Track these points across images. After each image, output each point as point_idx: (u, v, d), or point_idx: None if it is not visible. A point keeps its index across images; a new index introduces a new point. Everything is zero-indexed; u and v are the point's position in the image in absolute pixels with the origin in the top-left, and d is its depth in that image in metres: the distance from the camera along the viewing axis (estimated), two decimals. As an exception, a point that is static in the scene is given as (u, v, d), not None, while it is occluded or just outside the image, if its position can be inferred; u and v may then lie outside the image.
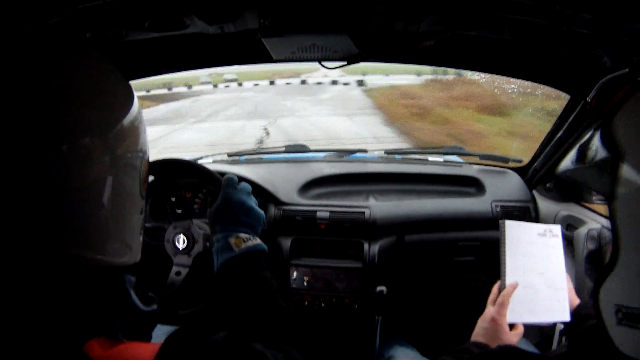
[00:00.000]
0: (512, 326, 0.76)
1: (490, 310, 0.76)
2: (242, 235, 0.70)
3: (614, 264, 0.41)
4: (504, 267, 0.79)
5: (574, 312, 0.79)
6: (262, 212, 0.77)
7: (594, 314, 0.45)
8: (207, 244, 0.97)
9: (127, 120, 0.47)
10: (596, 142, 0.44)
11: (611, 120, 0.42)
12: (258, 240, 0.71)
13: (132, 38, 0.80)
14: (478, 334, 0.75)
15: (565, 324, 0.79)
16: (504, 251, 0.80)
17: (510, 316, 0.75)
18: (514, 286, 0.77)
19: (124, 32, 0.78)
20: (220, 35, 0.80)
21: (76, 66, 0.45)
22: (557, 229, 0.84)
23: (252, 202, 0.76)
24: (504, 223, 0.82)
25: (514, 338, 0.74)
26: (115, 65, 0.50)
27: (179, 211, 0.97)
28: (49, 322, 0.42)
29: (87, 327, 0.44)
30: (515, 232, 0.82)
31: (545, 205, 1.28)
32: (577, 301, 0.82)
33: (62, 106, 0.41)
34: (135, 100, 0.51)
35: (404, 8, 0.72)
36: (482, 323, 0.76)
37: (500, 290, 0.79)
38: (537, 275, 0.80)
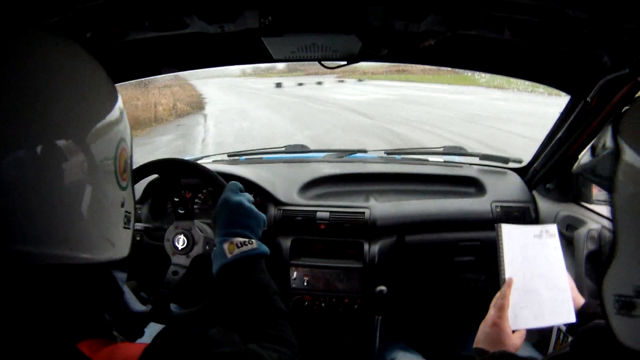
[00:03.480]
0: None
1: (491, 314, 0.75)
2: (237, 239, 0.69)
3: (613, 256, 0.43)
4: (503, 273, 0.78)
5: (580, 312, 0.78)
6: (262, 214, 0.76)
7: (599, 313, 0.46)
8: (207, 246, 0.97)
9: (106, 119, 0.46)
10: (605, 137, 0.47)
11: (620, 118, 0.45)
12: (255, 244, 0.70)
13: (132, 37, 0.80)
14: (480, 340, 0.73)
15: (570, 324, 0.78)
16: (502, 257, 0.79)
17: (515, 323, 0.74)
18: (510, 284, 0.76)
19: (124, 31, 0.78)
20: (220, 34, 0.80)
21: (55, 62, 0.44)
22: (553, 228, 0.83)
23: (252, 205, 0.76)
24: (500, 227, 0.80)
25: (517, 341, 0.72)
26: (97, 62, 0.49)
27: (180, 211, 0.97)
28: (38, 324, 0.42)
29: (78, 328, 0.44)
30: (512, 236, 0.81)
31: (545, 205, 1.27)
32: (581, 300, 0.80)
33: (37, 104, 0.40)
34: (118, 98, 0.50)
35: (404, 8, 0.72)
36: (484, 328, 0.74)
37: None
38: (538, 279, 0.78)
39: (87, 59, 0.48)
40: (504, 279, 0.78)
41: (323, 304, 1.24)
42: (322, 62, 0.95)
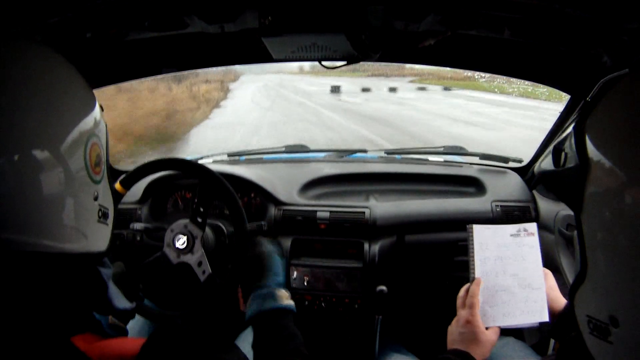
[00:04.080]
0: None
1: (462, 313, 0.75)
2: (284, 292, 0.83)
3: (584, 276, 0.41)
4: (473, 272, 0.80)
5: (561, 313, 0.78)
6: None
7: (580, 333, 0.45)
8: (205, 246, 0.97)
9: (77, 120, 0.47)
10: (569, 145, 0.43)
11: (583, 124, 0.41)
12: (292, 302, 0.83)
13: (132, 38, 0.80)
14: (455, 340, 0.74)
15: (550, 325, 0.78)
16: (473, 257, 0.81)
17: (484, 320, 0.75)
18: (478, 282, 0.77)
19: (124, 31, 0.78)
20: (220, 34, 0.80)
21: (30, 70, 0.44)
22: (532, 227, 0.83)
23: None
24: (471, 228, 0.82)
25: (492, 337, 0.73)
26: (71, 65, 0.50)
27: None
28: (29, 317, 0.43)
29: (70, 323, 0.44)
30: (484, 236, 0.82)
31: (545, 205, 1.27)
32: (563, 301, 0.80)
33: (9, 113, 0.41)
34: (94, 100, 0.51)
35: (404, 7, 0.72)
36: (457, 328, 0.75)
37: (467, 293, 0.78)
38: (511, 277, 0.79)
39: (63, 66, 0.49)
40: (474, 277, 0.79)
41: (323, 304, 1.24)
42: (322, 62, 0.95)
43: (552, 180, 0.49)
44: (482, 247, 0.81)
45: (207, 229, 1.03)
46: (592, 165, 0.38)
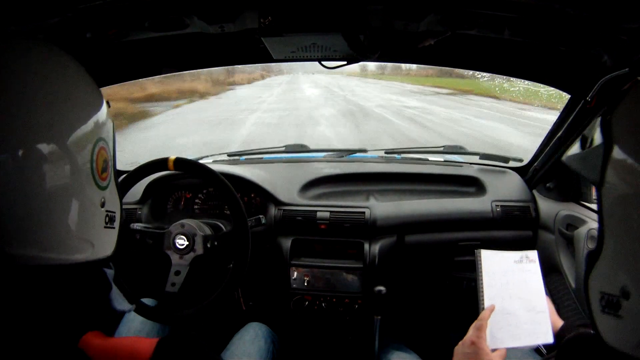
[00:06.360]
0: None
1: (469, 334, 0.76)
2: None
3: (599, 252, 0.42)
4: (482, 296, 0.81)
5: (558, 334, 0.80)
6: None
7: (578, 334, 0.46)
8: (208, 244, 0.97)
9: (83, 123, 0.45)
10: (595, 129, 0.45)
11: (612, 111, 0.43)
12: None
13: (132, 38, 0.80)
14: None
15: (548, 345, 0.80)
16: (481, 281, 0.82)
17: (493, 342, 0.76)
18: (491, 309, 0.78)
19: (124, 31, 0.78)
20: (220, 34, 0.80)
21: (32, 65, 0.43)
22: (533, 254, 0.86)
23: None
24: (479, 253, 0.84)
25: (497, 359, 0.74)
26: (80, 64, 0.48)
27: (180, 211, 0.97)
28: (34, 321, 0.42)
29: (79, 322, 0.44)
30: (491, 261, 0.84)
31: (545, 205, 1.28)
32: (559, 322, 0.83)
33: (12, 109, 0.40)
34: (102, 102, 0.50)
35: (404, 7, 0.72)
36: (462, 348, 0.76)
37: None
38: (516, 301, 0.81)
39: (69, 64, 0.47)
40: (483, 301, 0.81)
41: (323, 304, 1.24)
42: (322, 62, 0.95)
43: (578, 160, 0.51)
44: (489, 272, 0.83)
45: (207, 228, 1.03)
46: (615, 144, 0.40)
